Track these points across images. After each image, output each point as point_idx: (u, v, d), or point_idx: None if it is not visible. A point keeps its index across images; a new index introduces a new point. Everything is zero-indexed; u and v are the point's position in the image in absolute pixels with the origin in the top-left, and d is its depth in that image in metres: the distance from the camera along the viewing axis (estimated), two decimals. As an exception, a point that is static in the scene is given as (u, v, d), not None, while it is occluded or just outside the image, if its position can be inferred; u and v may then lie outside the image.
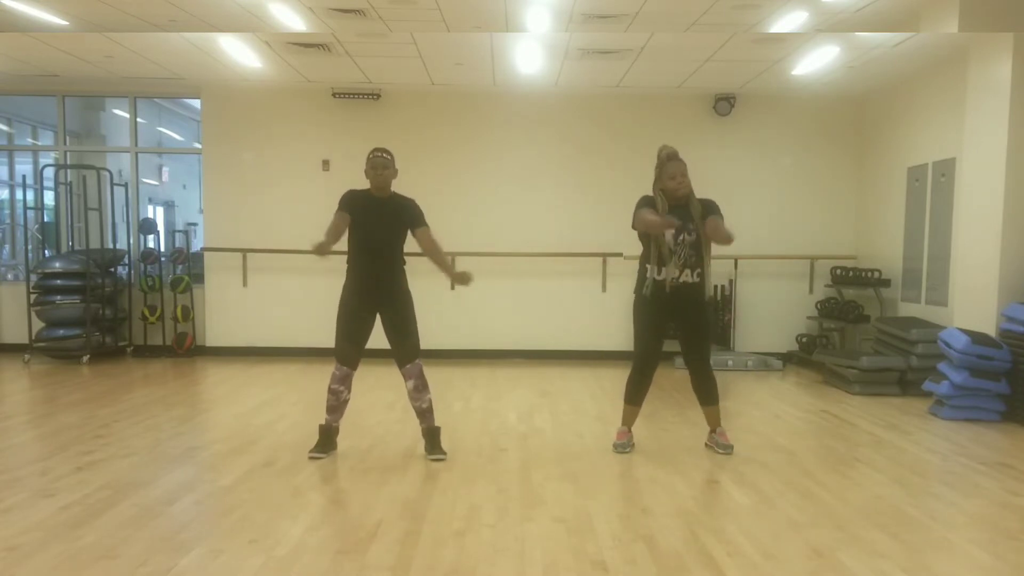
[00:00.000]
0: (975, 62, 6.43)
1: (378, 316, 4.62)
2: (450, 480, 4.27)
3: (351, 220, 4.53)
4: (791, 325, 9.02)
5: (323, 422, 4.71)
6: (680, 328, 4.87)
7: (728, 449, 4.84)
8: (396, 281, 4.60)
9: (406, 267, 4.67)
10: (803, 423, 6.03)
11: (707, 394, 4.92)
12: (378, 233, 4.53)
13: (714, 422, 4.97)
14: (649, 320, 4.81)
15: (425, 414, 4.70)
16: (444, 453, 4.67)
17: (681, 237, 4.62)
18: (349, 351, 4.60)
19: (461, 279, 4.59)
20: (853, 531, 3.54)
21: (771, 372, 8.39)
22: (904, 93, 8.05)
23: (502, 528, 3.53)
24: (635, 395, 4.93)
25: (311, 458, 4.61)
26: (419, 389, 4.65)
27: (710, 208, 4.70)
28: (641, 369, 4.89)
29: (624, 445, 4.90)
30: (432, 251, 4.61)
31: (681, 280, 4.65)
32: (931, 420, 5.99)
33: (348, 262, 4.63)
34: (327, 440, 4.71)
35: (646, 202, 4.71)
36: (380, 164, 4.52)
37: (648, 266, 4.71)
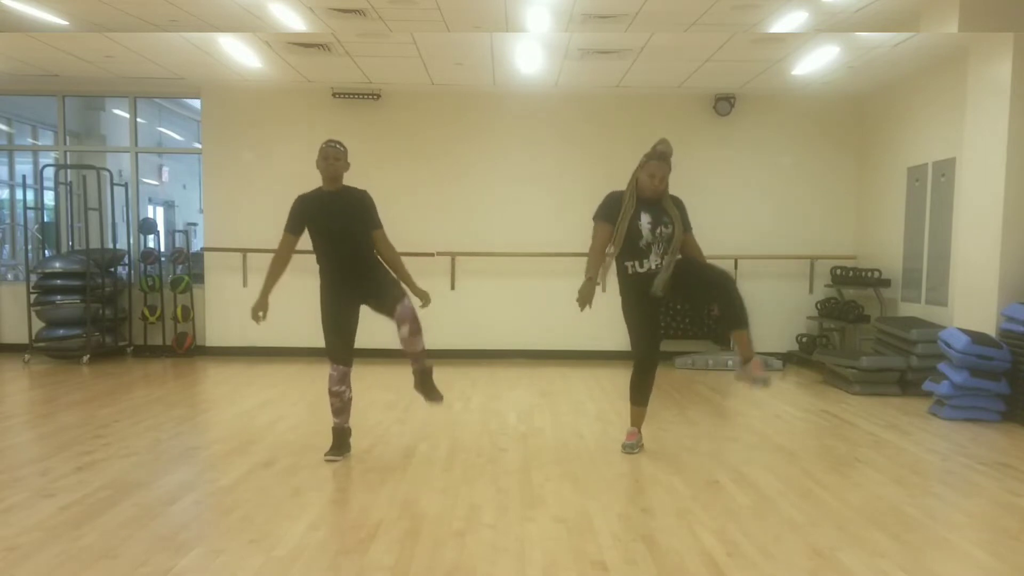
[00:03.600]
0: (975, 62, 6.44)
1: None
2: (450, 480, 4.27)
3: (308, 224, 4.52)
4: (791, 325, 9.02)
5: (333, 424, 4.69)
6: (680, 294, 4.85)
7: (763, 382, 4.61)
8: (372, 269, 4.53)
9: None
10: (803, 423, 6.03)
11: (733, 316, 4.58)
12: (336, 225, 4.48)
13: (745, 350, 4.61)
14: (641, 318, 4.77)
15: (418, 357, 4.57)
16: (441, 396, 4.64)
17: (658, 230, 4.63)
18: (340, 347, 4.57)
19: (422, 296, 4.56)
20: (853, 531, 3.54)
21: (771, 372, 8.37)
22: (904, 93, 8.05)
23: (502, 528, 3.53)
24: (639, 396, 4.91)
25: (327, 461, 4.59)
26: (414, 333, 4.46)
27: (686, 219, 4.71)
28: (642, 369, 4.87)
29: (633, 446, 4.88)
30: (389, 257, 4.55)
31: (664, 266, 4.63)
32: (931, 420, 5.99)
33: (318, 262, 4.60)
34: (341, 442, 4.69)
35: (611, 202, 4.72)
36: (332, 155, 4.49)
37: (627, 263, 4.69)
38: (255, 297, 4.54)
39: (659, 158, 4.63)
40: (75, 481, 4.13)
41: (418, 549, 3.26)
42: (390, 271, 4.60)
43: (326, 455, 4.63)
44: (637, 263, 4.67)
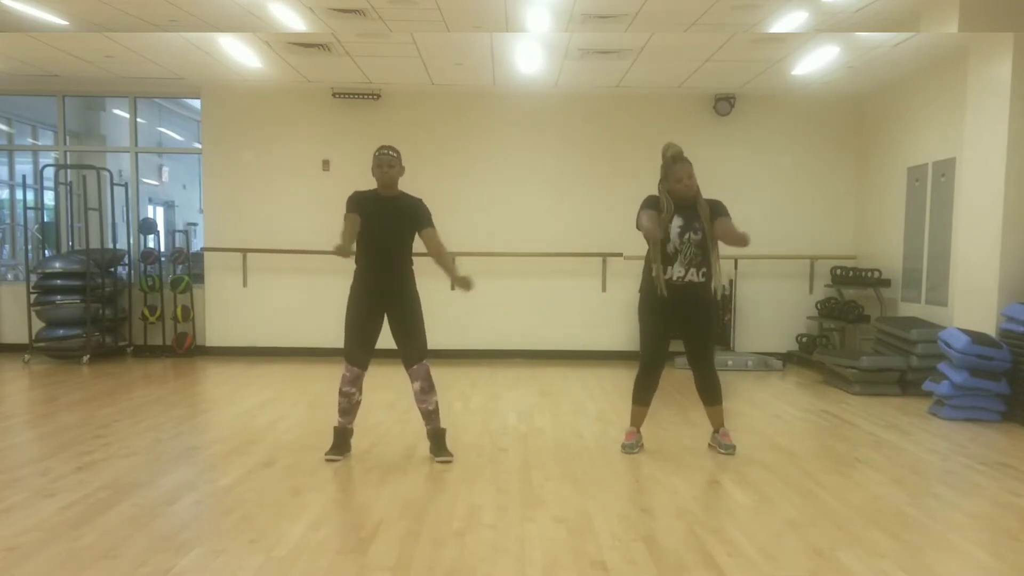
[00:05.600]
0: (975, 62, 6.43)
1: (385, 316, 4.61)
2: (450, 480, 4.27)
3: (361, 217, 4.51)
4: (791, 325, 9.02)
5: (336, 424, 4.69)
6: (684, 328, 4.83)
7: (730, 449, 4.84)
8: (404, 281, 4.58)
9: (414, 267, 4.65)
10: (803, 423, 6.03)
11: (710, 394, 4.91)
12: (386, 232, 4.50)
13: (717, 422, 4.96)
14: (654, 320, 4.79)
15: (431, 416, 4.67)
16: (451, 455, 4.65)
17: (687, 236, 4.61)
18: (359, 352, 4.57)
19: (463, 283, 4.55)
20: (853, 531, 3.54)
21: (771, 372, 8.39)
22: (904, 93, 8.05)
23: (502, 528, 3.53)
24: (642, 395, 4.92)
25: (327, 460, 4.59)
26: (425, 391, 4.61)
27: (718, 209, 4.68)
28: (647, 370, 4.88)
29: (632, 446, 4.89)
30: (437, 253, 4.59)
31: (687, 279, 4.64)
32: (931, 420, 5.99)
33: (356, 262, 4.59)
34: (342, 442, 4.69)
35: (651, 203, 4.69)
36: (387, 162, 4.49)
37: (654, 265, 4.68)
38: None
39: (675, 160, 4.62)
40: (75, 481, 4.13)
41: (418, 549, 3.26)
42: (418, 299, 4.59)
43: (326, 455, 4.63)
44: (663, 268, 4.64)
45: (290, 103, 8.98)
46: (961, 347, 5.89)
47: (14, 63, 8.10)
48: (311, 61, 7.81)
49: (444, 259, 4.61)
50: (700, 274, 4.66)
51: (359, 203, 4.55)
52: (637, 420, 4.97)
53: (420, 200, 4.64)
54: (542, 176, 9.05)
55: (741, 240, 4.52)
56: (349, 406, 4.63)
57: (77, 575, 3.00)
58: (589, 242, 8.93)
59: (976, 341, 5.89)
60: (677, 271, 4.63)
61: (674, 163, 4.63)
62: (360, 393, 4.64)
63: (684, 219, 4.62)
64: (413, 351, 4.57)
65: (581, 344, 9.02)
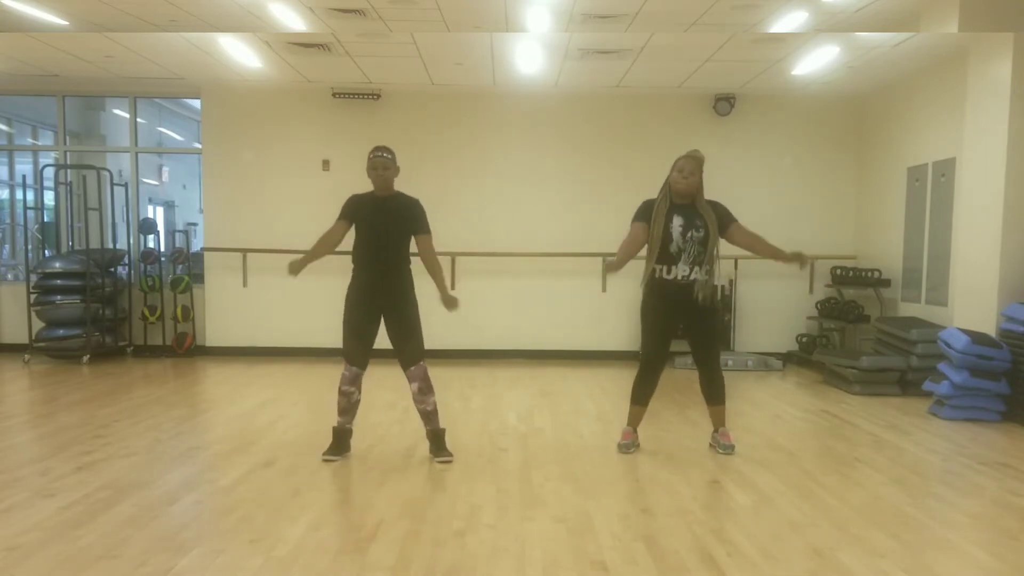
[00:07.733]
0: (975, 62, 6.43)
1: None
2: (450, 480, 4.27)
3: (355, 222, 4.54)
4: (791, 325, 9.02)
5: (335, 424, 4.68)
6: (689, 327, 4.82)
7: (729, 449, 4.84)
8: (401, 282, 4.57)
9: (411, 267, 4.64)
10: (803, 423, 6.03)
11: (714, 394, 4.91)
12: (381, 234, 4.51)
13: (718, 421, 4.95)
14: (657, 321, 4.78)
15: (430, 416, 4.66)
16: (451, 455, 4.64)
17: (689, 234, 4.60)
18: (358, 350, 4.57)
19: (449, 302, 4.56)
20: (853, 531, 3.54)
21: (771, 372, 8.39)
22: (904, 93, 8.05)
23: (502, 528, 3.53)
24: (641, 395, 4.92)
25: (325, 460, 4.58)
26: (423, 392, 4.60)
27: (724, 215, 4.69)
28: (647, 370, 4.88)
29: (628, 445, 4.89)
30: (428, 260, 4.59)
31: (691, 277, 4.62)
32: (931, 420, 5.99)
33: (353, 262, 4.60)
34: (341, 442, 4.68)
35: (641, 213, 4.70)
36: (381, 164, 4.50)
37: (656, 266, 4.67)
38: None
39: (688, 156, 4.64)
40: (75, 481, 4.13)
41: (418, 549, 3.26)
42: (415, 301, 4.59)
43: (324, 454, 4.63)
44: (665, 268, 4.64)
45: (290, 103, 8.98)
46: (961, 347, 5.89)
47: (14, 63, 8.10)
48: (311, 61, 7.81)
49: (434, 268, 4.60)
50: (704, 271, 4.64)
51: (353, 208, 4.56)
52: (634, 420, 4.97)
53: (417, 201, 4.63)
54: (542, 176, 9.05)
55: (776, 254, 4.70)
56: (348, 405, 4.62)
57: (77, 575, 3.00)
58: (589, 242, 8.92)
59: (976, 341, 5.89)
60: (681, 270, 4.62)
61: (685, 156, 4.64)
62: (359, 392, 4.64)
63: (685, 217, 4.62)
64: (409, 353, 4.57)
65: (581, 344, 9.01)
